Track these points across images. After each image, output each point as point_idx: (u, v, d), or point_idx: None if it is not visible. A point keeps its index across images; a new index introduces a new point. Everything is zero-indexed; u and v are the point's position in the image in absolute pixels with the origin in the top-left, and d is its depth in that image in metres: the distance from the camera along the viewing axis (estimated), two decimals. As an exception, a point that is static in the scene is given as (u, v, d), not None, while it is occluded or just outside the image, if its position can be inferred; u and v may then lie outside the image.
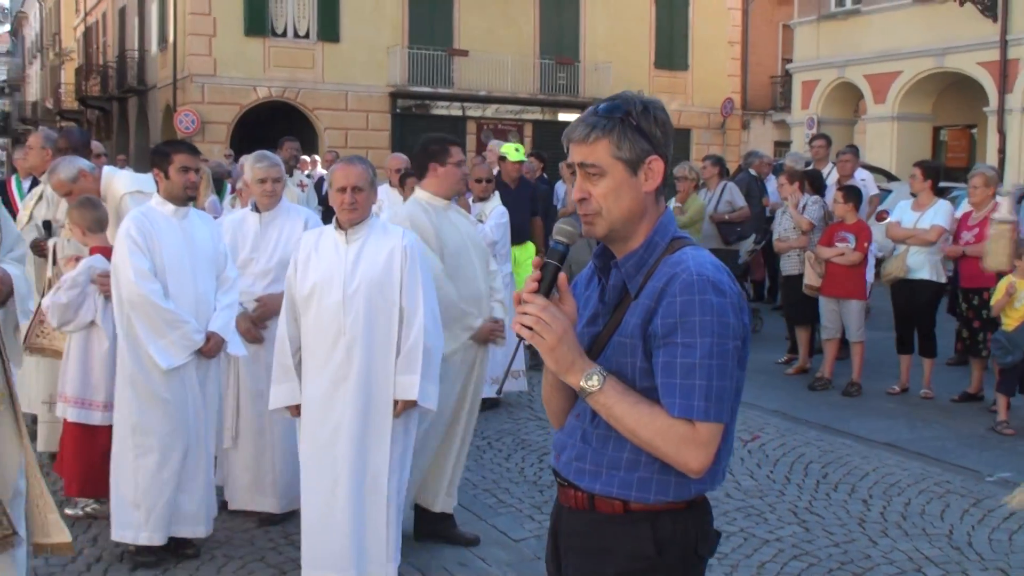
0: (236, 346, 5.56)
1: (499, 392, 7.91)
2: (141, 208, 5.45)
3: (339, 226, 4.84)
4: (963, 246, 9.14)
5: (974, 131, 27.51)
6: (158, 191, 5.47)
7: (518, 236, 9.63)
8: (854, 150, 12.19)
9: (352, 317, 4.71)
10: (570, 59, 33.08)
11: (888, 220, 9.96)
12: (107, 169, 6.62)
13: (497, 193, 9.18)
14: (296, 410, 4.90)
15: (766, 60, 36.68)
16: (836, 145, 21.64)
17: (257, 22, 29.44)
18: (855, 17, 27.76)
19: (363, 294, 4.72)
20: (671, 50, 34.97)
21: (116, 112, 41.14)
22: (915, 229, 9.25)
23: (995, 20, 23.60)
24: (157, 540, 5.27)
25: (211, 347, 5.34)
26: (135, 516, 5.25)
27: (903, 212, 9.48)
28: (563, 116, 32.94)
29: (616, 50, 33.42)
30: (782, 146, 33.31)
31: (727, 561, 5.55)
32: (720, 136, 35.13)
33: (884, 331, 10.31)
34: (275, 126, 26.65)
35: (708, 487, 2.48)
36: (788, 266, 10.35)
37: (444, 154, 5.54)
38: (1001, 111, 23.89)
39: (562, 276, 2.37)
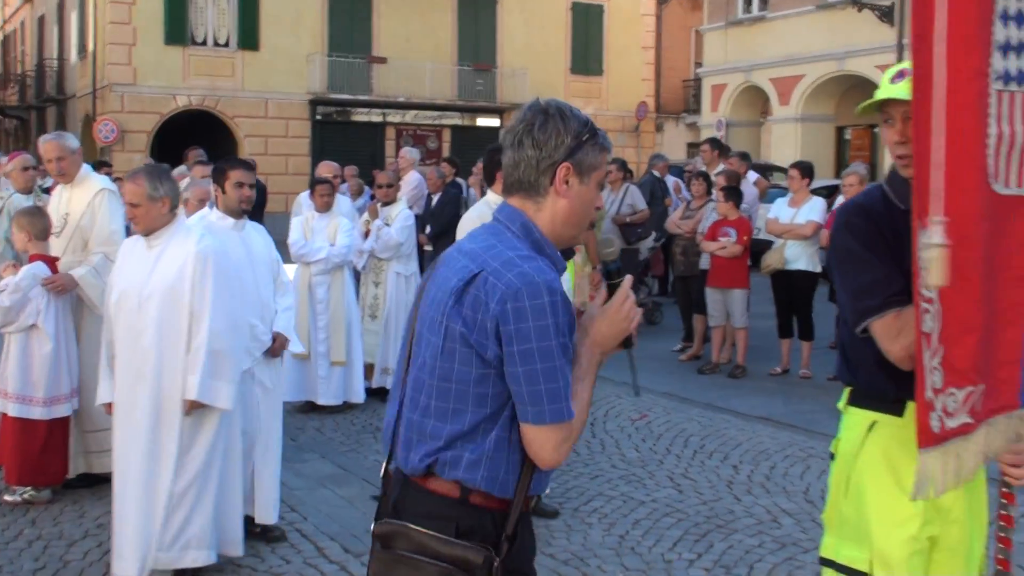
0: (295, 344, 6.09)
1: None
2: (204, 224, 5.79)
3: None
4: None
5: (876, 130, 28.68)
6: (216, 206, 5.93)
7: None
8: (740, 155, 13.08)
9: (147, 319, 4.97)
10: (487, 65, 33.75)
11: (767, 217, 10.78)
12: (85, 166, 7.09)
13: (404, 198, 9.81)
14: (111, 408, 5.22)
15: (679, 65, 37.71)
16: (741, 147, 22.55)
17: (177, 31, 29.69)
18: (761, 23, 28.84)
19: (157, 298, 4.97)
20: (586, 55, 35.80)
21: (34, 122, 40.97)
22: (792, 224, 10.08)
23: (892, 25, 24.76)
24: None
25: (277, 347, 5.83)
26: None
27: (780, 209, 10.31)
28: (481, 121, 33.63)
29: (533, 56, 34.17)
30: (695, 148, 34.22)
31: (606, 520, 6.25)
32: (635, 139, 36.05)
33: (768, 318, 11.11)
34: (195, 134, 26.96)
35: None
36: (705, 262, 10.86)
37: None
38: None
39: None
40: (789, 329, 10.38)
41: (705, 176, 11.66)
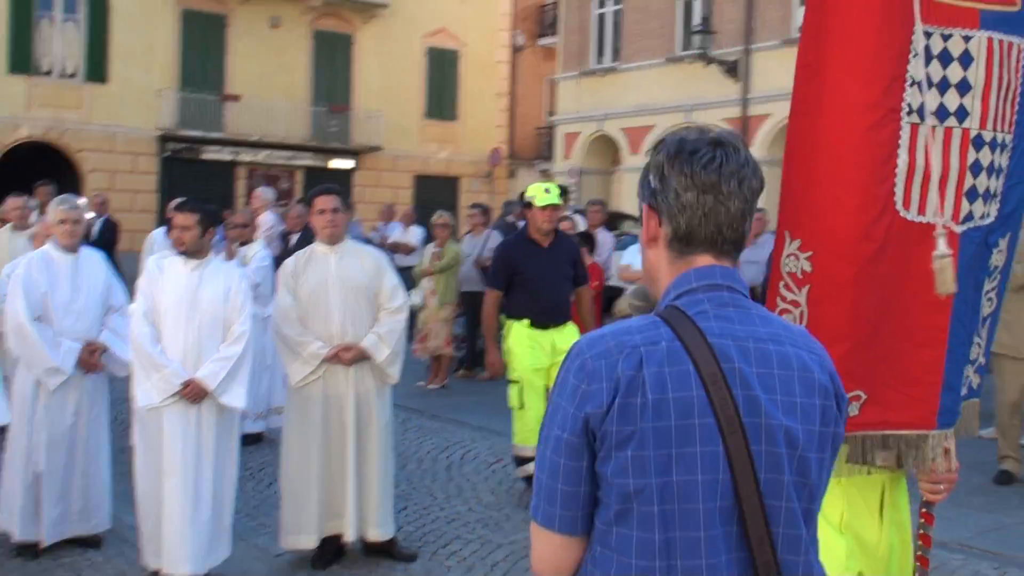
0: (231, 397, 5.86)
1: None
2: (156, 255, 6.07)
3: None
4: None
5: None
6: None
7: (557, 314, 7.46)
8: (599, 203, 13.39)
9: None
10: (342, 106, 33.66)
11: (620, 263, 11.05)
12: None
13: (262, 238, 9.70)
14: None
15: (532, 112, 38.28)
16: (593, 194, 23.06)
17: (21, 60, 28.75)
18: (613, 74, 29.51)
19: None
20: (441, 100, 36.06)
21: None
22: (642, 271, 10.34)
23: (737, 80, 25.70)
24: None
25: (188, 392, 5.70)
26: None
27: (633, 256, 10.58)
28: (334, 163, 33.46)
29: (388, 99, 34.22)
30: (547, 194, 34.70)
31: (465, 563, 6.29)
32: (489, 184, 36.38)
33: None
34: (37, 168, 26.09)
35: None
36: None
37: (311, 205, 6.38)
38: (743, 164, 25.91)
39: None
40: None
41: (558, 223, 11.87)
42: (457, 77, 36.45)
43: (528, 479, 7.58)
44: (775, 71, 24.92)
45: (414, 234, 16.78)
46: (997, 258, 3.02)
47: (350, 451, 6.23)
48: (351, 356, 6.18)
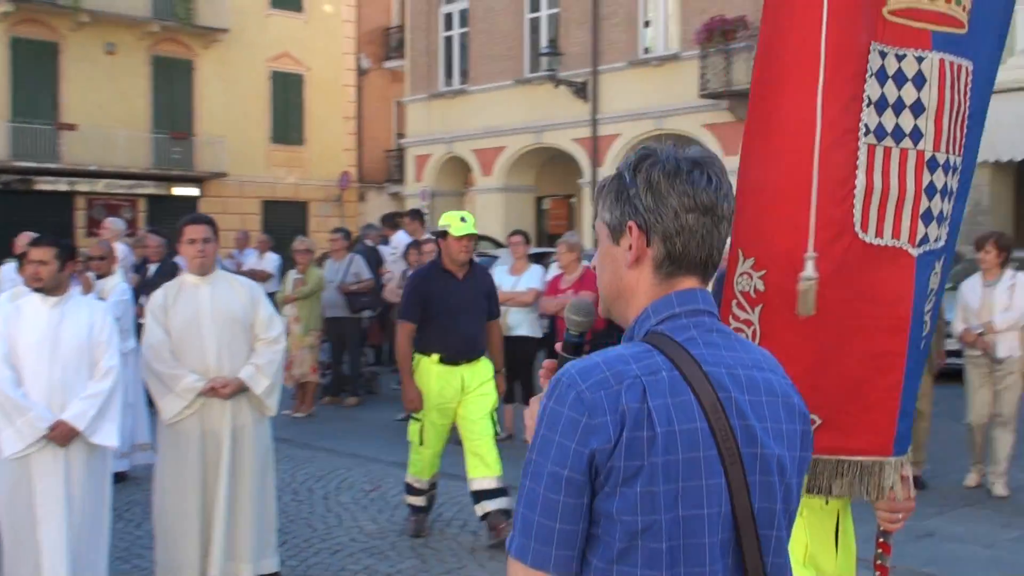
0: (103, 436, 5.53)
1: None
2: (16, 291, 5.71)
3: None
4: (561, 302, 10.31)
5: (573, 200, 29.95)
6: None
7: (470, 349, 7.21)
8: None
9: None
10: (184, 133, 32.84)
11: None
12: None
13: (120, 271, 9.32)
14: None
15: (381, 135, 38.10)
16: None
17: None
18: (462, 96, 29.59)
19: None
20: (287, 124, 35.53)
21: None
22: (513, 292, 10.31)
23: (586, 100, 26.04)
24: None
25: (56, 434, 5.34)
26: None
27: (501, 277, 10.53)
28: (177, 190, 32.59)
29: (231, 124, 33.54)
30: (399, 217, 34.48)
31: (353, 596, 6.10)
32: (339, 208, 36.01)
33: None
34: None
35: None
36: None
37: (179, 235, 6.05)
38: (594, 182, 26.27)
39: None
40: (511, 394, 10.54)
41: (418, 246, 11.81)
42: (303, 101, 35.99)
43: (413, 508, 7.43)
44: (623, 91, 25.37)
45: (270, 261, 16.44)
46: (933, 280, 3.01)
47: (223, 486, 5.99)
48: (230, 391, 5.95)
